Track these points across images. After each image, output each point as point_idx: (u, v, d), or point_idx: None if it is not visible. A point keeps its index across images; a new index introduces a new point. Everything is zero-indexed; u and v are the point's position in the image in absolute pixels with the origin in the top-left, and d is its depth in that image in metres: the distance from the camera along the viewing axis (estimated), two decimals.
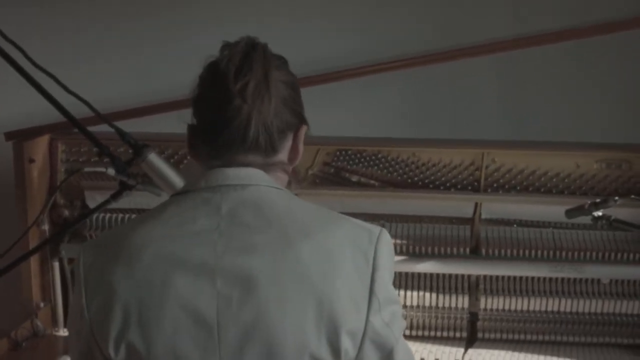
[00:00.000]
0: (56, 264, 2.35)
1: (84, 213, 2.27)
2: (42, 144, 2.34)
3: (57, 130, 2.33)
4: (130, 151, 1.95)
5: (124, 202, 2.04)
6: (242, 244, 1.22)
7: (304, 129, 1.38)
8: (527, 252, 2.16)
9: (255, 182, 1.28)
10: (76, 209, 2.36)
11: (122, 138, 1.97)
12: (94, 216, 2.30)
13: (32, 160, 2.28)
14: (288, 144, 1.35)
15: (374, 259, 1.24)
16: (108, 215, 2.32)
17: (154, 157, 1.93)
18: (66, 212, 2.37)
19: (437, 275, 2.21)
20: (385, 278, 1.26)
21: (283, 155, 1.35)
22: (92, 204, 2.31)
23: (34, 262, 2.32)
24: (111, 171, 1.96)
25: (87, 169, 2.15)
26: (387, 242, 1.28)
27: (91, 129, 1.91)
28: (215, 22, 2.44)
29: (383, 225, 2.18)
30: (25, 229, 2.19)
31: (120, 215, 2.33)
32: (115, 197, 2.00)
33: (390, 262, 1.28)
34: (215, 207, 1.25)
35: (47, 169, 2.35)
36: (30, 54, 1.77)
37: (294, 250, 1.22)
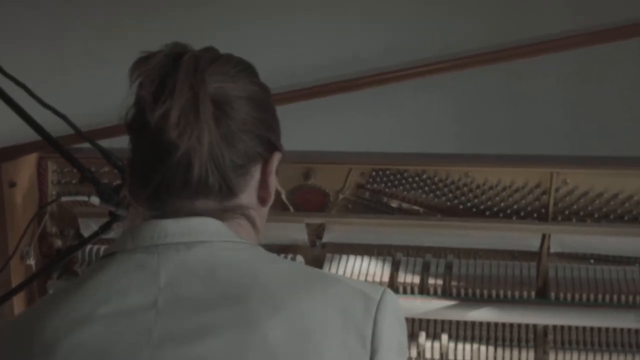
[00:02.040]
0: None
1: (72, 246, 1.99)
2: (27, 164, 2.05)
3: (46, 148, 2.00)
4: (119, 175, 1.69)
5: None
6: (188, 327, 0.94)
7: (276, 158, 1.09)
8: (606, 296, 1.82)
9: (206, 238, 1.01)
10: (68, 239, 2.07)
11: (107, 159, 1.68)
12: (87, 249, 2.00)
13: (12, 184, 1.99)
14: (254, 181, 1.07)
15: (373, 335, 0.97)
16: (103, 247, 2.02)
17: None
18: (59, 243, 2.09)
19: (496, 324, 1.87)
20: None
21: (248, 197, 1.07)
22: (86, 233, 2.02)
23: (17, 302, 2.04)
24: (95, 200, 1.69)
25: (64, 198, 1.82)
26: (392, 309, 1.00)
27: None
28: (215, 25, 2.15)
29: (428, 262, 1.86)
30: (4, 263, 1.89)
31: None
32: (104, 229, 1.79)
33: (397, 337, 1.00)
34: (151, 275, 0.98)
35: (35, 193, 2.06)
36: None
37: (260, 330, 0.93)
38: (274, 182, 1.09)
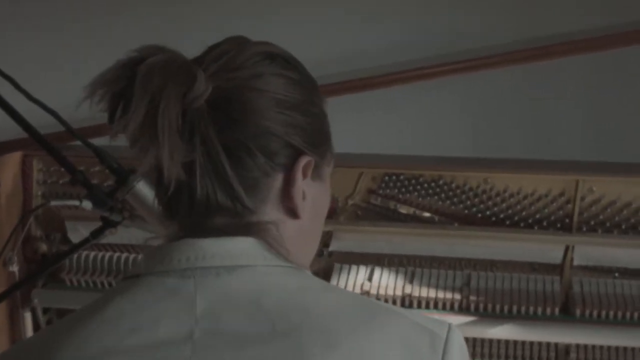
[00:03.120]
0: (28, 315, 1.92)
1: (59, 252, 1.85)
2: (11, 162, 1.91)
3: (32, 145, 1.84)
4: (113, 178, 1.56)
5: (117, 236, 1.65)
6: None
7: (301, 163, 0.93)
8: (635, 314, 1.71)
9: (249, 262, 0.88)
10: (55, 244, 1.93)
11: (102, 161, 1.54)
12: (75, 256, 1.87)
13: None
14: (273, 193, 0.92)
15: None
16: (93, 253, 1.89)
17: (143, 187, 1.54)
18: (44, 247, 1.95)
19: (515, 342, 1.76)
20: None
21: (271, 211, 0.92)
22: (74, 237, 1.89)
23: (0, 311, 1.89)
24: (87, 204, 1.55)
25: (54, 202, 1.68)
26: (459, 348, 0.89)
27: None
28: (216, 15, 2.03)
29: (444, 275, 1.75)
30: None
31: (109, 253, 1.89)
32: (95, 235, 1.64)
33: None
34: (186, 303, 0.85)
35: (19, 193, 1.92)
36: None
37: None
38: (299, 192, 0.92)
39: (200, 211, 0.88)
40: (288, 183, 0.92)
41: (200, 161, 0.86)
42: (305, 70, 0.97)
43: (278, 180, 0.91)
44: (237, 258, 0.87)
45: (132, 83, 0.85)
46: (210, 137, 0.86)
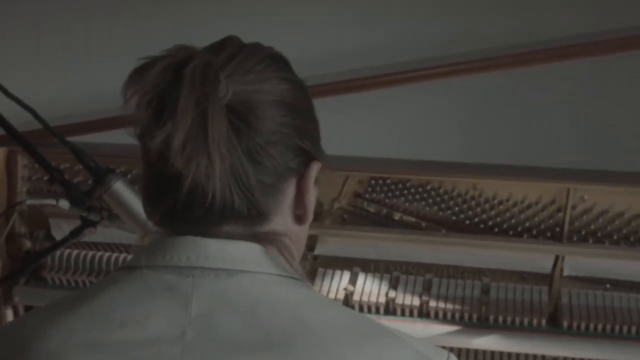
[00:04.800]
0: (9, 312, 1.90)
1: (40, 250, 1.83)
2: None
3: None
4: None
5: (100, 235, 1.67)
6: None
7: (314, 170, 0.91)
8: (624, 327, 1.66)
9: (251, 268, 0.85)
10: (39, 241, 1.92)
11: (79, 159, 1.52)
12: (57, 254, 1.85)
13: None
14: (287, 200, 0.90)
15: None
16: (75, 252, 1.87)
17: (120, 187, 1.54)
18: (28, 244, 1.93)
19: (501, 353, 1.72)
20: None
21: (282, 219, 0.90)
22: (58, 235, 1.87)
23: None
24: (64, 203, 1.53)
25: (29, 202, 1.66)
26: None
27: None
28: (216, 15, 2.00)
29: (430, 281, 1.71)
30: None
31: (91, 252, 1.87)
32: (74, 234, 1.63)
33: None
34: (182, 302, 0.82)
35: (4, 190, 1.90)
36: None
37: None
38: (312, 199, 0.92)
39: (214, 218, 0.85)
40: (301, 189, 0.90)
41: (221, 166, 0.82)
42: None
43: (292, 186, 0.90)
44: (239, 263, 0.84)
45: (176, 84, 0.81)
46: (232, 141, 0.82)
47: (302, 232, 0.94)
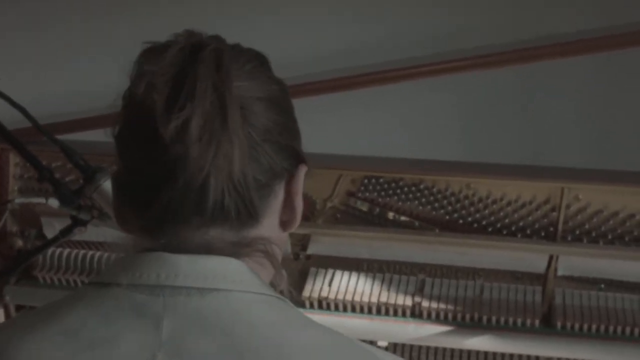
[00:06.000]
0: (0, 311, 1.89)
1: (31, 249, 1.82)
2: None
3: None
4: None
5: (91, 233, 1.63)
6: None
7: (302, 172, 0.89)
8: (618, 328, 1.65)
9: (225, 286, 0.81)
10: (30, 240, 1.91)
11: (68, 157, 1.51)
12: (48, 252, 1.84)
13: None
14: (277, 202, 0.87)
15: None
16: (67, 251, 1.87)
17: (109, 186, 1.51)
18: (20, 243, 1.93)
19: (494, 354, 1.71)
20: None
21: (270, 223, 0.87)
22: (50, 234, 1.86)
23: None
24: (54, 202, 1.53)
25: (17, 200, 1.65)
26: None
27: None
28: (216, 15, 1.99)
29: (423, 281, 1.70)
30: None
31: (83, 251, 1.87)
32: (65, 234, 1.61)
33: None
34: (151, 324, 0.78)
35: None
36: None
37: None
38: (300, 203, 0.89)
39: (204, 219, 0.81)
40: (291, 192, 0.88)
41: (240, 153, 0.79)
42: None
43: (282, 190, 0.87)
44: (213, 280, 0.80)
45: (192, 68, 0.79)
46: (242, 137, 0.80)
47: (284, 239, 0.91)
